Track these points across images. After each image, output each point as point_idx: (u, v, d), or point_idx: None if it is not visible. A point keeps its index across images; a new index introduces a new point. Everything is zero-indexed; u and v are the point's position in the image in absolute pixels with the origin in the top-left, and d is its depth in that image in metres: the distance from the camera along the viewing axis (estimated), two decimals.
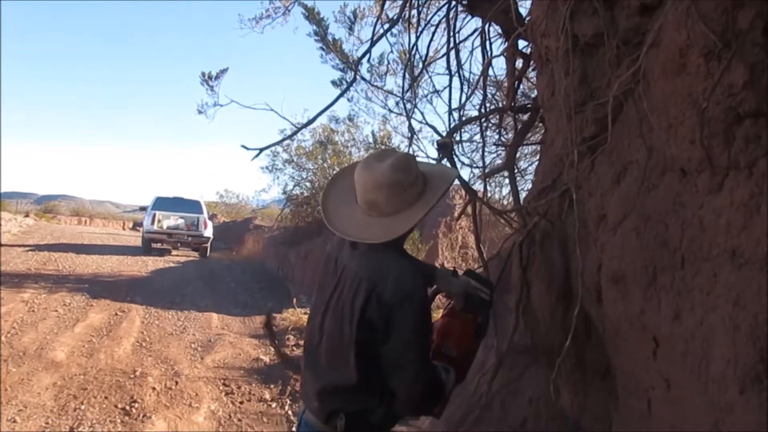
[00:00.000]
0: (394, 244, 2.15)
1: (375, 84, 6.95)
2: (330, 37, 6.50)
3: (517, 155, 5.26)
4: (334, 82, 7.17)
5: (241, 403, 6.72)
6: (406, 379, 2.06)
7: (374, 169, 2.13)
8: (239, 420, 6.25)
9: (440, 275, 2.47)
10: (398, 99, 5.75)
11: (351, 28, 6.41)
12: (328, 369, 2.20)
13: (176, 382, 7.06)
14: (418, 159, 2.30)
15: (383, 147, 17.20)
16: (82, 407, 6.06)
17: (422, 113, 11.47)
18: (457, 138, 4.74)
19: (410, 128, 5.18)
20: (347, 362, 2.09)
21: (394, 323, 2.00)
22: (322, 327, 2.23)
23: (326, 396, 2.18)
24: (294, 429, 2.44)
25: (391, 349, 2.03)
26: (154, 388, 6.78)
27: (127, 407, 6.18)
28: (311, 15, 6.53)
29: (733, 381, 1.61)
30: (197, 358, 8.24)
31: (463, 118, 4.54)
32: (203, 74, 4.92)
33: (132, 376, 7.12)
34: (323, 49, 6.55)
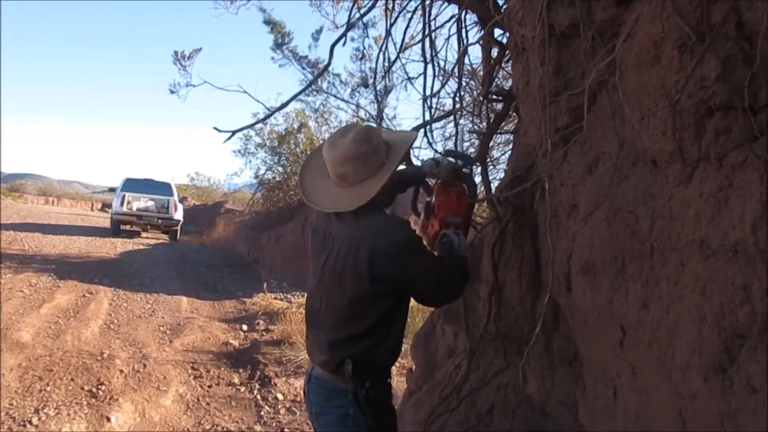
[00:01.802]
0: (373, 207, 2.39)
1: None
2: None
3: (490, 144, 5.27)
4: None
5: (209, 386, 6.70)
6: (447, 293, 2.58)
7: (339, 145, 2.37)
8: (208, 404, 6.23)
9: (428, 168, 2.85)
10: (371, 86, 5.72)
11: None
12: (332, 327, 2.43)
13: (144, 365, 7.00)
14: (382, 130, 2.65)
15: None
16: (48, 389, 5.98)
17: (396, 99, 11.43)
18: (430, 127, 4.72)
19: (379, 114, 5.16)
20: (352, 318, 2.37)
21: (410, 266, 2.33)
22: (320, 292, 2.49)
23: (333, 348, 2.40)
24: (303, 387, 2.67)
25: (421, 282, 2.38)
26: (121, 371, 6.72)
27: (94, 389, 6.12)
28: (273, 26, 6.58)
29: (697, 370, 1.64)
30: (166, 341, 8.18)
31: (437, 107, 4.54)
32: (176, 53, 4.82)
33: (99, 358, 7.05)
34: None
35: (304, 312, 2.71)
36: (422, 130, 4.03)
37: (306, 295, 2.72)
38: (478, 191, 3.14)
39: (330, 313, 2.45)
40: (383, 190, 2.39)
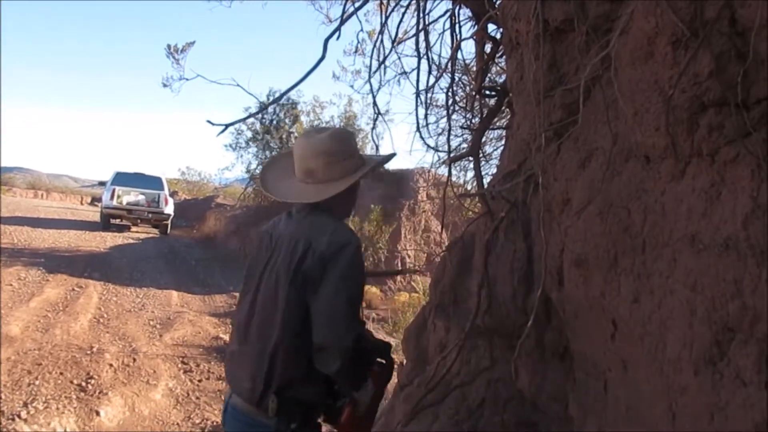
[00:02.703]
0: (330, 212, 2.24)
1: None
2: None
3: (483, 140, 5.29)
4: None
5: (199, 381, 6.69)
6: (335, 328, 2.02)
7: (314, 137, 2.26)
8: (197, 398, 6.22)
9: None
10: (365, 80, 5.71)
11: None
12: (260, 342, 2.14)
13: (134, 359, 6.98)
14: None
15: (348, 128, 17.19)
16: (37, 382, 5.95)
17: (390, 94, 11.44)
18: (424, 122, 4.74)
19: (375, 107, 5.17)
20: (280, 326, 2.09)
21: (328, 271, 2.04)
22: (254, 303, 2.22)
23: (259, 371, 2.10)
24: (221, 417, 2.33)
25: (322, 297, 2.03)
26: (111, 365, 6.69)
27: (83, 383, 6.09)
28: None
29: (688, 363, 1.66)
30: (156, 335, 8.16)
31: (431, 102, 4.54)
32: (169, 47, 4.80)
33: (89, 352, 7.01)
34: None
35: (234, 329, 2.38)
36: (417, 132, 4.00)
37: (237, 305, 2.43)
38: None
39: (257, 326, 2.19)
40: (347, 197, 2.28)
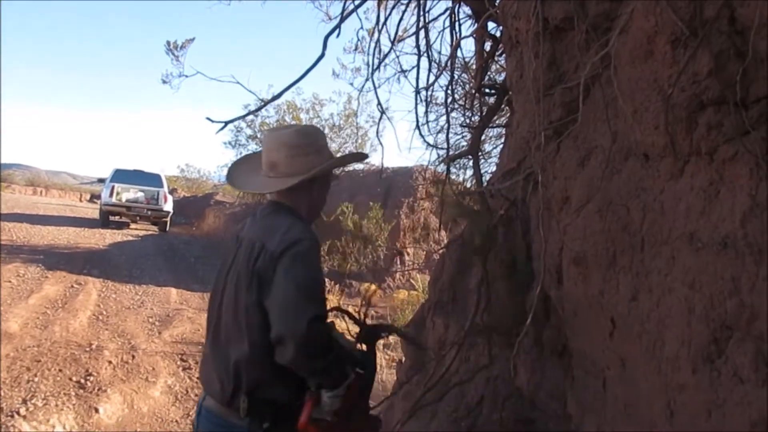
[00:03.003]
0: (290, 211, 2.19)
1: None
2: None
3: (482, 138, 5.29)
4: None
5: (198, 378, 6.68)
6: (286, 317, 1.96)
7: (280, 131, 2.29)
8: (196, 395, 6.21)
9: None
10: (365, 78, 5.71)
11: None
12: (226, 346, 2.12)
13: (133, 356, 6.98)
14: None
15: (347, 126, 17.20)
16: (36, 379, 5.95)
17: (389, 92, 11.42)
18: (423, 120, 4.74)
19: (379, 105, 5.17)
20: (242, 330, 2.06)
21: (278, 272, 1.99)
22: (221, 306, 2.18)
23: (227, 375, 2.08)
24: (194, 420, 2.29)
25: (272, 294, 1.99)
26: (110, 362, 6.69)
27: (82, 380, 6.09)
28: None
29: (686, 361, 1.66)
30: (155, 332, 8.16)
31: (430, 100, 4.55)
32: (168, 43, 4.80)
33: (88, 349, 7.01)
34: None
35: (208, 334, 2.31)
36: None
37: (207, 309, 2.36)
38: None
39: (224, 330, 2.15)
40: (311, 195, 2.26)
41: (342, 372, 2.11)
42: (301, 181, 2.16)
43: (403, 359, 4.80)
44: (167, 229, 20.55)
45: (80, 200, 41.64)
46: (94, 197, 37.12)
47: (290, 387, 2.10)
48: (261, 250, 2.05)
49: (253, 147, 18.49)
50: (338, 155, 2.37)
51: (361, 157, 2.49)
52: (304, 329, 1.92)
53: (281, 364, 2.00)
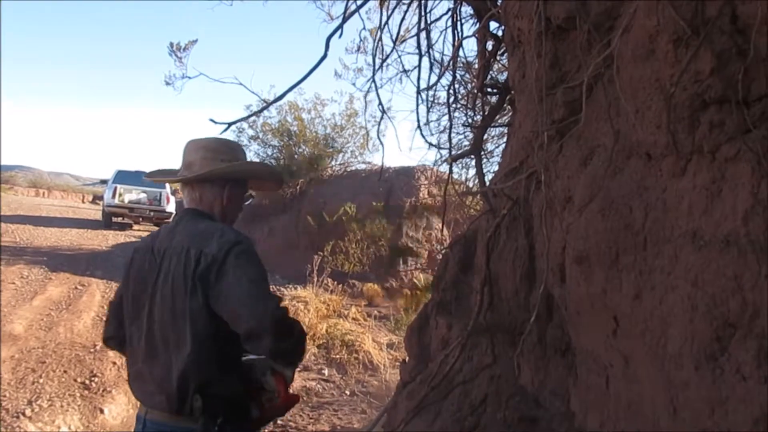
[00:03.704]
0: (208, 217, 2.29)
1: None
2: None
3: (485, 137, 5.30)
4: None
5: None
6: (252, 309, 2.00)
7: (201, 138, 2.39)
8: None
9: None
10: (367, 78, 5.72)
11: None
12: (166, 355, 2.11)
13: None
14: None
15: (349, 126, 17.19)
16: (41, 381, 5.98)
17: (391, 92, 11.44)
18: (425, 120, 4.76)
19: (380, 105, 5.18)
20: (185, 335, 2.06)
21: (222, 271, 2.04)
22: (150, 321, 2.16)
23: (170, 382, 2.07)
24: None
25: (226, 294, 2.03)
26: (114, 363, 6.71)
27: (87, 381, 6.12)
28: None
29: (689, 358, 1.67)
30: None
31: (432, 99, 4.56)
32: (171, 45, 4.82)
33: (92, 350, 7.04)
34: None
35: (127, 349, 2.31)
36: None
37: (127, 326, 2.29)
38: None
39: (161, 341, 2.13)
40: (223, 201, 2.32)
41: (305, 344, 2.20)
42: (210, 173, 2.26)
43: (407, 359, 4.81)
44: None
45: (83, 201, 41.74)
46: (97, 198, 37.19)
47: (236, 381, 2.16)
48: (199, 255, 2.06)
49: (255, 148, 18.45)
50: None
51: (266, 169, 2.59)
52: (274, 317, 1.99)
53: (227, 362, 2.12)
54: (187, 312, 2.06)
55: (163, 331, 2.12)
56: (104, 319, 2.31)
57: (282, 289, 11.38)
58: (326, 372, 7.81)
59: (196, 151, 2.32)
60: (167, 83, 5.17)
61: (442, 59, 4.74)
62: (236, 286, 2.03)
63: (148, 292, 2.19)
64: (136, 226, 20.94)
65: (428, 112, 4.74)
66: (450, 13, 4.32)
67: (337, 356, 8.32)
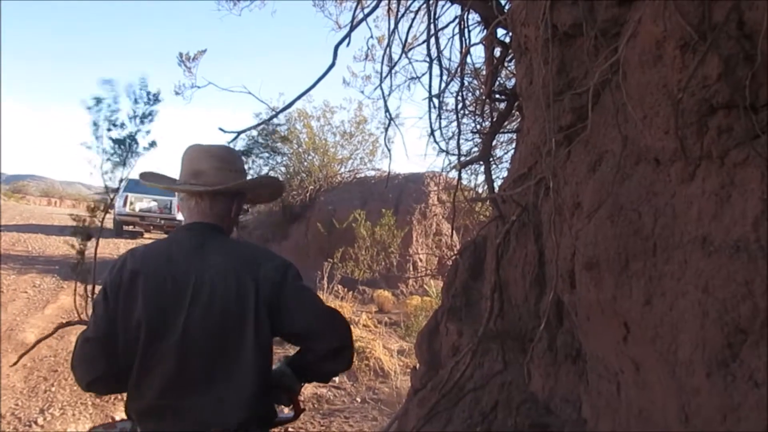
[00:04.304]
0: (226, 235, 2.21)
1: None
2: None
3: (493, 143, 5.30)
4: None
5: None
6: (339, 326, 2.09)
7: (206, 145, 2.23)
8: None
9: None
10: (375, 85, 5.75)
11: None
12: (210, 387, 1.97)
13: None
14: None
15: (358, 133, 17.23)
16: (53, 389, 6.01)
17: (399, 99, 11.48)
18: (436, 125, 4.77)
19: (387, 112, 5.20)
20: (239, 367, 1.97)
21: (290, 295, 2.03)
22: (181, 350, 1.96)
23: (224, 416, 1.95)
24: None
25: (307, 317, 2.05)
26: None
27: None
28: None
29: (700, 365, 1.66)
30: None
31: (441, 106, 4.57)
32: (180, 55, 4.85)
33: None
34: None
35: (131, 385, 2.03)
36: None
37: (146, 356, 1.99)
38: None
39: (208, 371, 1.97)
40: (231, 215, 2.21)
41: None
42: (238, 185, 2.18)
43: (418, 365, 4.80)
44: None
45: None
46: (108, 207, 37.35)
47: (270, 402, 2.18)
48: (257, 279, 1.99)
49: (265, 156, 18.53)
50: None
51: (271, 181, 2.56)
52: (350, 334, 2.13)
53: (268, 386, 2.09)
54: (250, 342, 1.97)
55: (206, 361, 1.97)
56: (84, 360, 2.17)
57: None
58: (337, 379, 7.80)
59: (205, 159, 2.14)
60: (176, 93, 5.21)
61: (450, 66, 4.76)
62: (309, 308, 2.07)
63: (174, 321, 1.97)
64: (147, 235, 21.04)
65: (438, 119, 4.74)
66: (457, 20, 4.34)
67: None
